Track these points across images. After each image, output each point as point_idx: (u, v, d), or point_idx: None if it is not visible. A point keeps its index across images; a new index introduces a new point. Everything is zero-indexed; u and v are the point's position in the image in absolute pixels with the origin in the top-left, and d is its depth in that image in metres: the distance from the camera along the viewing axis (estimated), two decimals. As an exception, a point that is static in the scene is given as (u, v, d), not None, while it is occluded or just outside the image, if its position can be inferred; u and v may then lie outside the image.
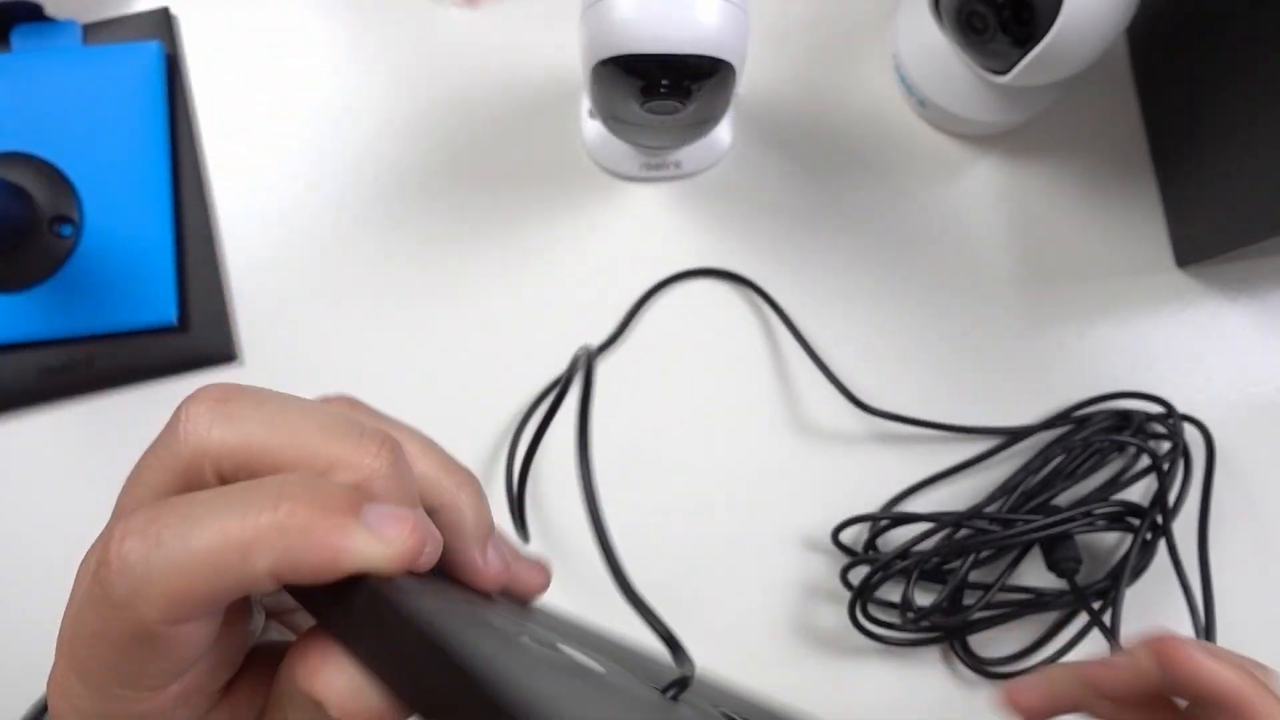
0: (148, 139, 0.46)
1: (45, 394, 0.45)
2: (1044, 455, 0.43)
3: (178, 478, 0.18)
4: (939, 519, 0.41)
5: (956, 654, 0.42)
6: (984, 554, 0.40)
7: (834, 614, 0.43)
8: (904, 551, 0.40)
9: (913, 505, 0.45)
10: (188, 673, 0.18)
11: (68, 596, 0.18)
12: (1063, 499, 0.42)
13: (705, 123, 0.41)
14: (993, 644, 0.43)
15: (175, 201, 0.46)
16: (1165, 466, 0.41)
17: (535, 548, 0.44)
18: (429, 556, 0.18)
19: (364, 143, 0.48)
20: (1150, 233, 0.47)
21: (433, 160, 0.48)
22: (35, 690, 0.42)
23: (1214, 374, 0.42)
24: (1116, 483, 0.42)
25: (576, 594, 0.41)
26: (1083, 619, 0.43)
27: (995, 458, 0.45)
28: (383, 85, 0.49)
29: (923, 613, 0.40)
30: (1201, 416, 0.44)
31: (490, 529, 0.22)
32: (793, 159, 0.48)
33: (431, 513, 0.20)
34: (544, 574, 0.24)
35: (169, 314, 0.44)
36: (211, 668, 0.19)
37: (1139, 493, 0.44)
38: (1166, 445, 0.43)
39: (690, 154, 0.47)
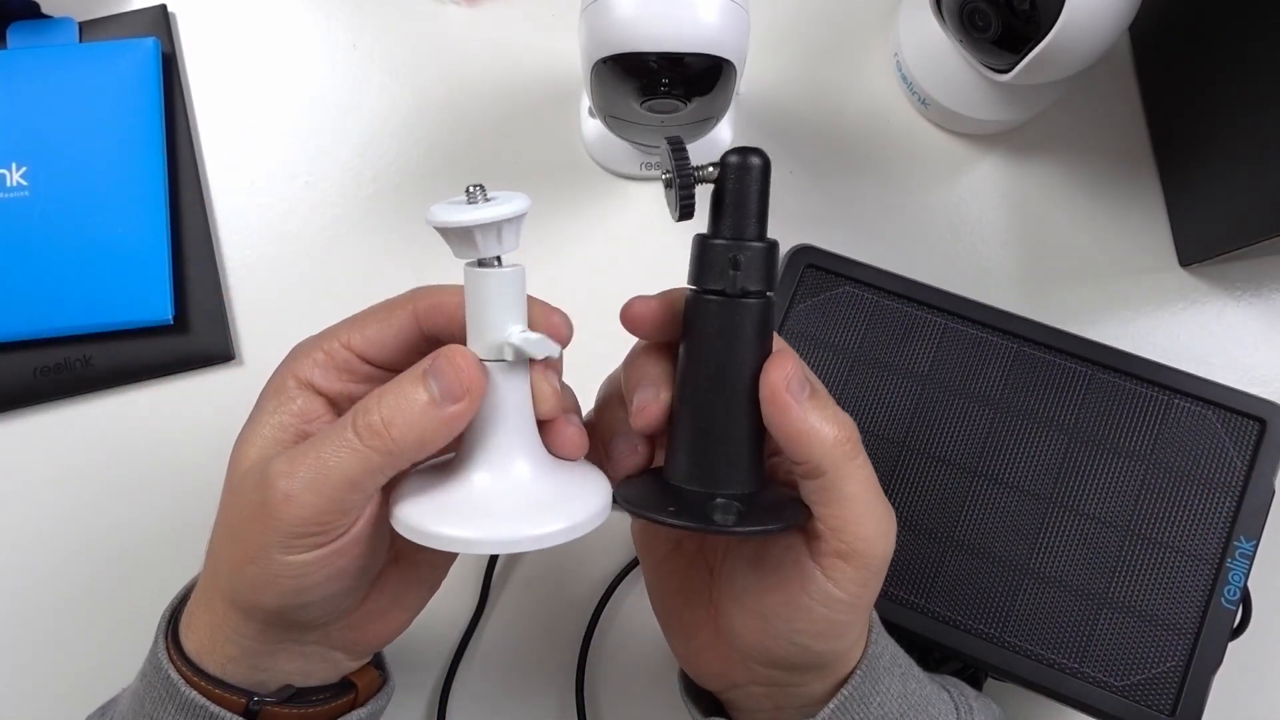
0: (144, 136, 0.46)
1: (41, 394, 0.44)
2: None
3: None
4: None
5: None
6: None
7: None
8: None
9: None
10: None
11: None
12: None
13: (706, 121, 0.41)
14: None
15: (172, 199, 0.46)
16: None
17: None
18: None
19: (363, 141, 0.48)
20: (1153, 231, 0.47)
21: (431, 158, 0.48)
22: (36, 687, 0.42)
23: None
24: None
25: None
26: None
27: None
28: (381, 84, 0.49)
29: None
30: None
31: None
32: (794, 158, 0.48)
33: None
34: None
35: (164, 312, 0.44)
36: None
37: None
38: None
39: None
